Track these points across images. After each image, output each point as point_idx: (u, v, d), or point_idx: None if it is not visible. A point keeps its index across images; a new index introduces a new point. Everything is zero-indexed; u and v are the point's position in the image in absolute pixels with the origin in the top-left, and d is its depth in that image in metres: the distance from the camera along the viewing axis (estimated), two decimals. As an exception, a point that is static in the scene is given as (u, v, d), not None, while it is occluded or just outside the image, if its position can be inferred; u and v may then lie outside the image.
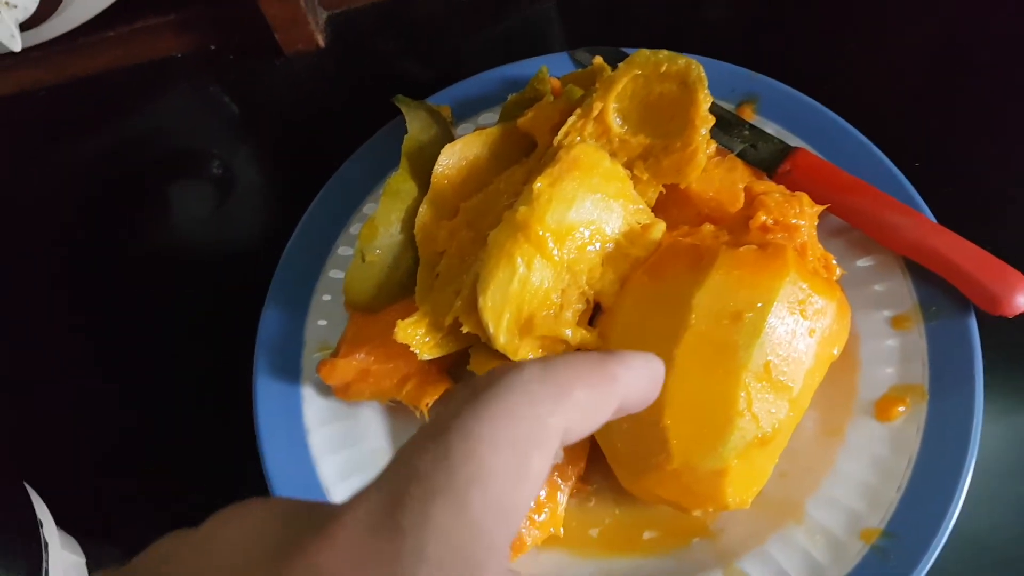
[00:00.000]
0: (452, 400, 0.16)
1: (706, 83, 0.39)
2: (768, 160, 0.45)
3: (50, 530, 0.41)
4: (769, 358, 0.35)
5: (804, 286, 0.36)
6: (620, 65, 0.41)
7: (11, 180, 0.59)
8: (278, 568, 0.14)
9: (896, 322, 0.41)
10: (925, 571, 0.36)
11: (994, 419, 0.41)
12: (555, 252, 0.38)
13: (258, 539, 0.16)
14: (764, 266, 0.36)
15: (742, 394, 0.35)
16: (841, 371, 0.40)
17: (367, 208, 0.49)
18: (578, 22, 0.58)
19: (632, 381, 0.19)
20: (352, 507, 0.15)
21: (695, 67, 0.39)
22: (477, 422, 0.15)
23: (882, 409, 0.40)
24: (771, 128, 0.47)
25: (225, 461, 0.47)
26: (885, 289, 0.42)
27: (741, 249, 0.36)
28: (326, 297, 0.47)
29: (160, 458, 0.48)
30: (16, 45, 0.52)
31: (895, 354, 0.41)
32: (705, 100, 0.39)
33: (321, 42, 0.58)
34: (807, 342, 0.36)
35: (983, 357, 0.39)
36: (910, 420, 0.39)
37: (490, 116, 0.50)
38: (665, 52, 0.40)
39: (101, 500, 0.47)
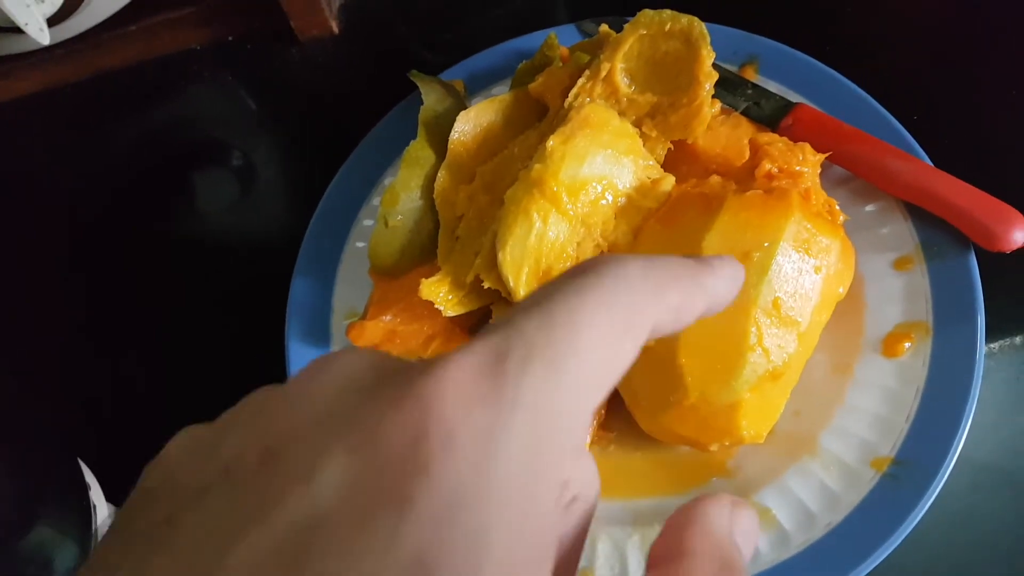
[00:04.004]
0: (559, 277, 0.18)
1: (708, 39, 0.41)
2: (771, 116, 0.47)
3: (97, 494, 0.43)
4: (777, 294, 0.37)
5: (808, 226, 0.38)
6: (626, 26, 0.43)
7: (40, 176, 0.62)
8: (383, 406, 0.15)
9: (899, 263, 0.43)
10: (935, 495, 0.38)
11: (994, 352, 0.43)
12: (569, 207, 0.40)
13: (353, 384, 0.16)
14: (770, 208, 0.38)
15: (753, 329, 0.36)
16: (848, 312, 0.42)
17: (387, 180, 0.50)
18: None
19: (720, 290, 0.20)
20: (460, 355, 0.16)
21: (697, 24, 0.41)
22: (581, 300, 0.17)
23: (889, 345, 0.41)
24: (773, 87, 0.48)
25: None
26: (888, 232, 0.43)
27: (748, 193, 0.38)
28: (352, 266, 0.48)
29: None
30: (45, 39, 0.54)
31: (899, 293, 0.42)
32: (708, 56, 0.41)
33: (335, 28, 0.60)
34: (813, 279, 0.38)
35: (983, 292, 0.41)
36: (916, 354, 0.41)
37: (502, 88, 0.51)
38: (668, 11, 0.42)
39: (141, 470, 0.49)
